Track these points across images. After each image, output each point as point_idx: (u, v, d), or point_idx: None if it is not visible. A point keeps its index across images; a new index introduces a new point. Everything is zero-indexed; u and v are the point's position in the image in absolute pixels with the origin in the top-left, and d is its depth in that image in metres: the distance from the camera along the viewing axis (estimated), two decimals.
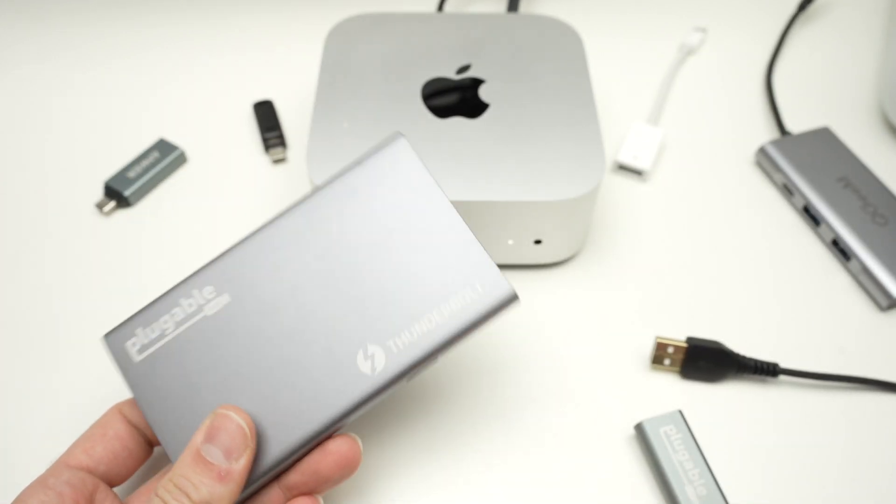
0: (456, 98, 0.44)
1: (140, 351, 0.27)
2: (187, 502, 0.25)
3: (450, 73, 0.43)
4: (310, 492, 0.28)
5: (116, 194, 0.44)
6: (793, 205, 0.46)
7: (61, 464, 0.28)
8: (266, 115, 0.49)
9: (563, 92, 0.42)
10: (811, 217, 0.44)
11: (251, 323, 0.27)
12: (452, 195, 0.37)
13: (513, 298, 0.28)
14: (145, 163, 0.46)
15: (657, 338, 0.37)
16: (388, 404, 0.36)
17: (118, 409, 0.30)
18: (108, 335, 0.28)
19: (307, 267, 0.28)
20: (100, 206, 0.44)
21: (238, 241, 0.28)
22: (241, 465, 0.26)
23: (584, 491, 0.34)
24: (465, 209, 0.37)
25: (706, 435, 0.35)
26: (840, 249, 0.42)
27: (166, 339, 0.27)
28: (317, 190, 0.29)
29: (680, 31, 0.56)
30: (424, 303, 0.28)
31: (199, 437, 0.26)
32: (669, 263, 0.43)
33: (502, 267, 0.41)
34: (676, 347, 0.37)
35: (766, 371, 0.37)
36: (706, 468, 0.33)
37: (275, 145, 0.47)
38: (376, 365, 0.27)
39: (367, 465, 0.34)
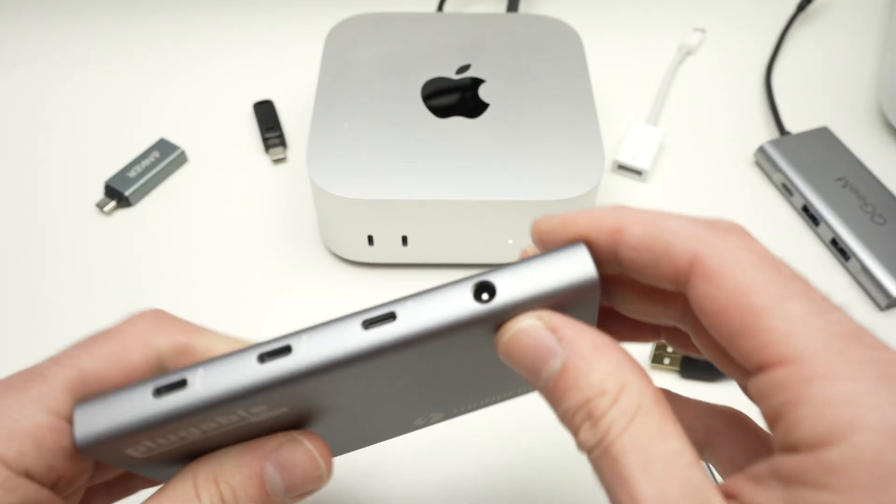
0: (456, 98, 0.44)
1: (147, 451, 0.20)
2: None
3: (450, 73, 0.43)
4: None
5: (117, 194, 0.44)
6: (792, 204, 0.46)
7: (12, 475, 0.19)
8: (266, 115, 0.49)
9: (562, 92, 0.42)
10: (810, 217, 0.44)
11: (306, 419, 0.22)
12: (452, 195, 0.37)
13: None
14: (146, 162, 0.46)
15: None
16: None
17: (159, 347, 0.21)
18: (83, 435, 0.19)
19: (397, 385, 0.21)
20: (100, 205, 0.44)
21: (305, 363, 0.19)
22: (290, 501, 0.22)
23: (583, 490, 0.34)
24: (466, 209, 0.38)
25: None
26: (839, 249, 0.42)
27: (189, 441, 0.20)
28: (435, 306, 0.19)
29: (679, 32, 0.56)
30: (510, 387, 0.24)
31: (265, 451, 0.21)
32: None
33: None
34: None
35: None
36: (706, 467, 0.33)
37: (275, 145, 0.48)
38: (431, 421, 0.25)
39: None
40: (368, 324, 0.19)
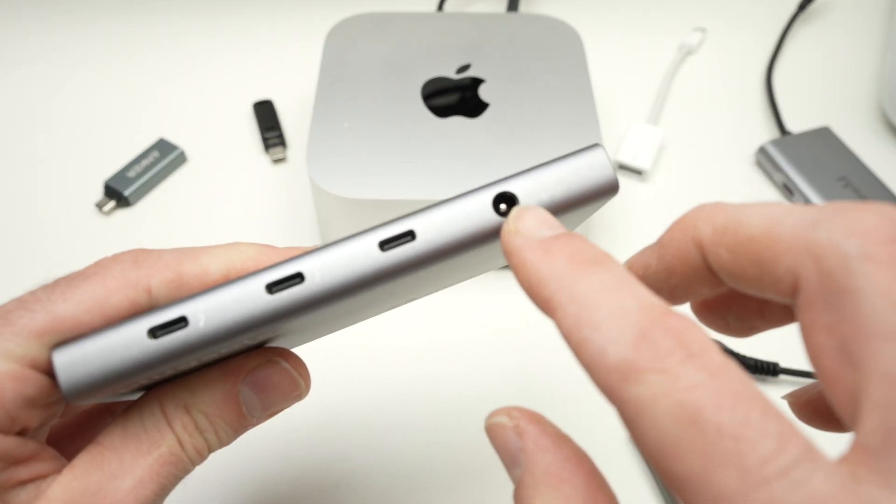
0: (456, 98, 0.44)
1: (137, 386, 0.20)
2: (203, 452, 0.20)
3: (450, 73, 0.43)
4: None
5: (116, 194, 0.44)
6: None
7: None
8: (266, 115, 0.49)
9: (562, 91, 0.42)
10: None
11: None
12: (452, 194, 0.37)
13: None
14: (145, 162, 0.46)
15: None
16: (392, 404, 0.36)
17: (144, 285, 0.19)
18: (70, 384, 0.17)
19: (395, 289, 0.20)
20: (100, 205, 0.44)
21: (321, 291, 0.18)
22: (266, 417, 0.22)
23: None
24: None
25: None
26: None
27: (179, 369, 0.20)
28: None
29: (680, 31, 0.56)
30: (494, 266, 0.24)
31: (239, 374, 0.20)
32: None
33: (501, 267, 0.41)
34: None
35: (766, 370, 0.37)
36: None
37: (275, 145, 0.47)
38: (405, 303, 0.25)
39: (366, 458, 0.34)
40: (385, 244, 0.18)
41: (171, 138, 0.48)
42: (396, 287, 0.19)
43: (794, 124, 0.50)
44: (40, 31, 0.56)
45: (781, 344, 0.39)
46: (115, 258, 0.20)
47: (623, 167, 0.47)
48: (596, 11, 0.58)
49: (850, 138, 0.48)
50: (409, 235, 0.18)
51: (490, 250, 0.19)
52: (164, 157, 0.46)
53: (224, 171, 0.47)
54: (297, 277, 0.17)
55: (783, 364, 0.37)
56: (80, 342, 0.18)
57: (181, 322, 0.17)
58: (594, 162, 0.18)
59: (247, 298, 0.17)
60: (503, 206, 0.18)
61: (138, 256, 0.20)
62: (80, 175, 0.46)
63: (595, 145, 0.18)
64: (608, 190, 0.18)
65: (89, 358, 0.17)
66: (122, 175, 0.45)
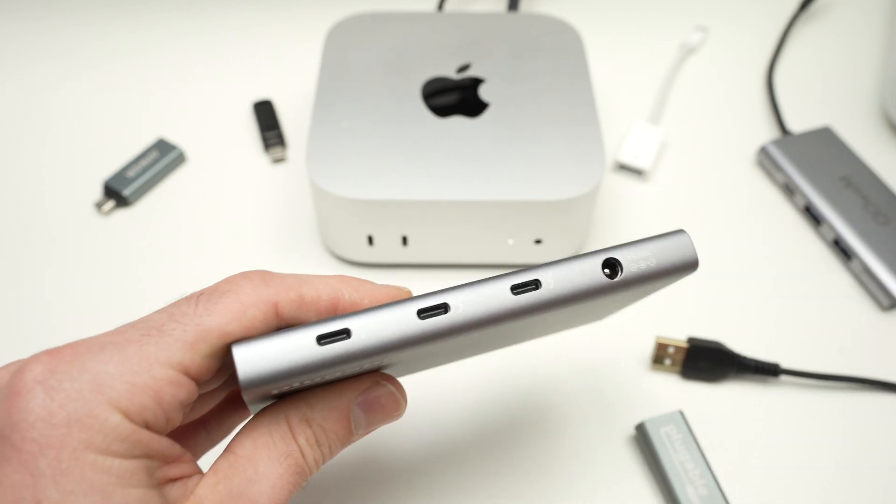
0: (456, 97, 0.44)
1: (285, 390, 0.22)
2: (320, 463, 0.23)
3: (450, 73, 0.43)
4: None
5: (115, 194, 0.44)
6: (794, 204, 0.45)
7: (136, 428, 0.19)
8: (266, 115, 0.49)
9: (563, 91, 0.42)
10: (812, 217, 0.44)
11: None
12: (452, 195, 0.37)
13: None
14: (144, 162, 0.46)
15: (658, 338, 0.37)
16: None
17: (273, 301, 0.21)
18: (248, 376, 0.20)
19: (511, 331, 0.23)
20: (99, 205, 0.44)
21: (462, 321, 0.21)
22: (365, 433, 0.24)
23: (584, 491, 0.34)
24: (466, 209, 0.37)
25: (707, 435, 0.35)
26: (841, 249, 0.42)
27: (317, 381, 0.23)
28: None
29: (680, 30, 0.56)
30: (584, 322, 0.30)
31: (353, 394, 0.23)
32: None
33: (502, 266, 0.41)
34: (677, 347, 0.37)
35: (766, 371, 0.37)
36: (707, 468, 0.33)
37: (274, 145, 0.47)
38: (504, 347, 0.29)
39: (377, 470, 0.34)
40: (516, 288, 0.21)
41: (171, 138, 0.48)
42: (516, 327, 0.22)
43: (795, 124, 0.50)
44: (40, 31, 0.56)
45: (782, 345, 0.39)
46: (245, 276, 0.22)
47: (623, 167, 0.47)
48: (596, 10, 0.58)
49: (852, 138, 0.48)
50: (536, 284, 0.21)
51: (592, 305, 0.22)
52: (163, 157, 0.46)
53: (224, 171, 0.47)
54: (442, 308, 0.21)
55: (784, 364, 0.37)
56: (257, 342, 0.20)
57: (344, 333, 0.20)
58: (681, 244, 0.22)
59: (401, 320, 0.20)
60: (607, 270, 0.22)
61: (265, 276, 0.22)
62: (79, 175, 0.46)
63: (681, 231, 0.22)
64: (690, 266, 0.22)
65: (266, 356, 0.20)
66: (121, 175, 0.45)
